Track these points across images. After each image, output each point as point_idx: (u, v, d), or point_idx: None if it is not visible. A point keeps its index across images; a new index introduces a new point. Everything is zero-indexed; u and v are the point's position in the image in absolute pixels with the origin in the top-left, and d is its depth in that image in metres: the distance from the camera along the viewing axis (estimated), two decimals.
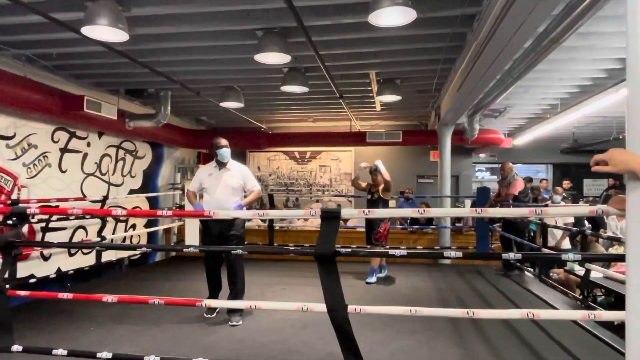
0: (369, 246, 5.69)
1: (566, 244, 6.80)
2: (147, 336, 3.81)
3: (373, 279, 5.71)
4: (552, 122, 7.94)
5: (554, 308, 4.44)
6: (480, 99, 6.50)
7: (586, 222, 5.58)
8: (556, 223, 6.18)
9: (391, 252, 2.29)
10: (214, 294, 4.39)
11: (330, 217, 2.37)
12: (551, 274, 5.90)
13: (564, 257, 2.08)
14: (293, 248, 2.58)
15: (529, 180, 9.48)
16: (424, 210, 2.54)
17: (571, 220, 6.74)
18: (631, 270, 1.48)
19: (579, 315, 2.13)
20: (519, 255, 2.11)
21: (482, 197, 7.14)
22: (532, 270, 6.19)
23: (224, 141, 4.35)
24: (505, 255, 2.09)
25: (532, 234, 7.26)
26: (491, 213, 2.97)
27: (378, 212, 2.50)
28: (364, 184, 5.92)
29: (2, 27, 4.37)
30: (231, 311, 4.03)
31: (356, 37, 4.56)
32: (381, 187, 5.66)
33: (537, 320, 3.84)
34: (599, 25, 4.22)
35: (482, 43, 4.24)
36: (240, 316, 4.09)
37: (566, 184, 10.06)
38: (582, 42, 4.67)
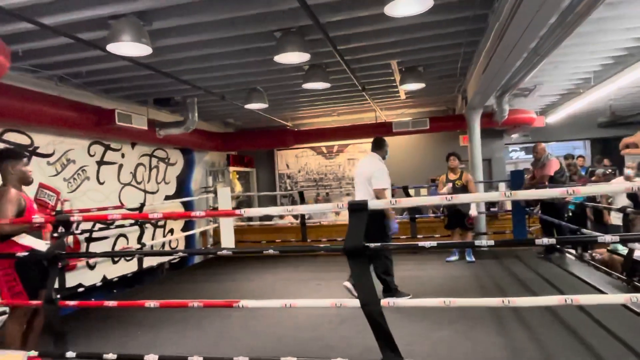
0: (455, 231, 6.50)
1: (616, 220, 6.49)
2: (190, 338, 3.94)
3: (472, 258, 6.39)
4: (586, 96, 7.62)
5: (598, 290, 4.30)
6: (508, 79, 6.31)
7: (627, 199, 5.33)
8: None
9: (421, 244, 2.28)
10: None
11: (358, 210, 2.38)
12: (594, 255, 5.69)
13: (600, 239, 2.02)
14: (323, 246, 2.61)
15: (570, 157, 9.11)
16: (452, 197, 2.51)
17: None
18: None
19: (621, 299, 2.06)
20: (553, 240, 2.06)
21: (516, 181, 6.96)
22: (573, 251, 6.01)
23: None
24: (538, 241, 2.04)
25: (570, 214, 7.02)
26: (520, 195, 2.90)
27: (404, 202, 2.46)
28: (442, 178, 6.61)
29: (34, 51, 4.58)
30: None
31: (374, 28, 4.52)
32: (465, 177, 6.44)
33: (581, 305, 3.73)
34: None
35: (504, 23, 4.13)
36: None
37: (605, 161, 9.62)
38: (612, 12, 4.46)
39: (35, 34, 4.12)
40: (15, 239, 3.24)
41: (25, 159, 3.54)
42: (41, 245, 3.32)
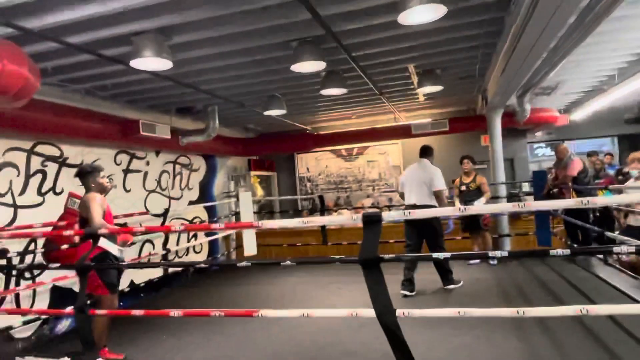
0: (474, 234, 6.57)
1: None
2: (215, 343, 4.07)
3: (495, 260, 6.26)
4: (610, 94, 7.43)
5: (624, 294, 4.22)
6: (528, 79, 6.21)
7: None
8: None
9: (434, 255, 2.31)
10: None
11: (372, 222, 2.43)
12: (621, 256, 5.56)
13: (615, 249, 2.01)
14: (338, 257, 2.66)
15: (594, 154, 8.87)
16: (465, 209, 2.53)
17: None
18: None
19: (638, 309, 2.05)
20: (567, 251, 2.05)
21: (538, 182, 6.84)
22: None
23: None
24: (553, 252, 2.04)
25: (597, 214, 6.87)
26: (534, 206, 2.88)
27: (418, 213, 2.50)
28: (456, 182, 6.84)
29: (62, 67, 4.78)
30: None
31: (388, 35, 4.53)
32: (478, 179, 6.56)
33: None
34: None
35: (521, 26, 4.09)
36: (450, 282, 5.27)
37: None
38: (634, 10, 4.35)
39: (62, 52, 4.30)
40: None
41: (102, 172, 4.08)
42: (114, 249, 3.79)
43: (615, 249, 2.00)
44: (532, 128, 9.93)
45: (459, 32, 4.74)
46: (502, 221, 7.54)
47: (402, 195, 5.61)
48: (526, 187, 9.09)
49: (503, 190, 7.99)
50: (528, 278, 5.47)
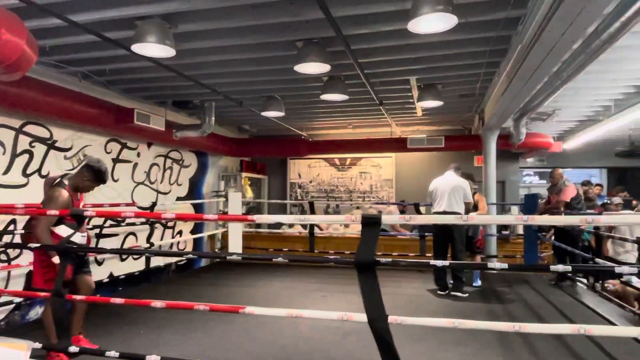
0: (469, 254, 6.21)
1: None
2: (194, 340, 3.93)
3: (478, 282, 6.23)
4: (605, 124, 7.53)
5: (610, 322, 4.19)
6: (527, 102, 6.27)
7: None
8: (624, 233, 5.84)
9: (432, 262, 2.25)
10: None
11: (371, 224, 2.36)
12: (606, 285, 5.57)
13: (617, 269, 1.97)
14: (333, 257, 2.58)
15: (588, 183, 8.94)
16: (467, 217, 2.48)
17: None
18: None
19: (635, 332, 2.00)
20: (568, 267, 2.01)
21: (529, 205, 6.86)
22: (584, 281, 5.89)
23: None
24: (553, 267, 2.00)
25: (586, 243, 6.90)
26: (538, 221, 2.85)
27: (418, 218, 2.45)
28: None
29: (61, 47, 4.67)
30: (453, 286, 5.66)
31: (396, 44, 4.53)
32: (476, 197, 6.49)
33: (591, 336, 3.63)
34: None
35: (527, 46, 4.11)
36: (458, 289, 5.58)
37: (625, 194, 9.37)
38: (637, 41, 4.42)
39: (63, 30, 4.21)
40: (53, 229, 3.42)
41: (97, 184, 3.76)
42: (77, 237, 3.38)
43: (617, 269, 1.96)
44: (525, 152, 10.01)
45: (466, 48, 4.76)
46: (490, 243, 7.53)
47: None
48: (515, 210, 9.13)
49: (494, 212, 8.00)
50: (514, 300, 5.43)
